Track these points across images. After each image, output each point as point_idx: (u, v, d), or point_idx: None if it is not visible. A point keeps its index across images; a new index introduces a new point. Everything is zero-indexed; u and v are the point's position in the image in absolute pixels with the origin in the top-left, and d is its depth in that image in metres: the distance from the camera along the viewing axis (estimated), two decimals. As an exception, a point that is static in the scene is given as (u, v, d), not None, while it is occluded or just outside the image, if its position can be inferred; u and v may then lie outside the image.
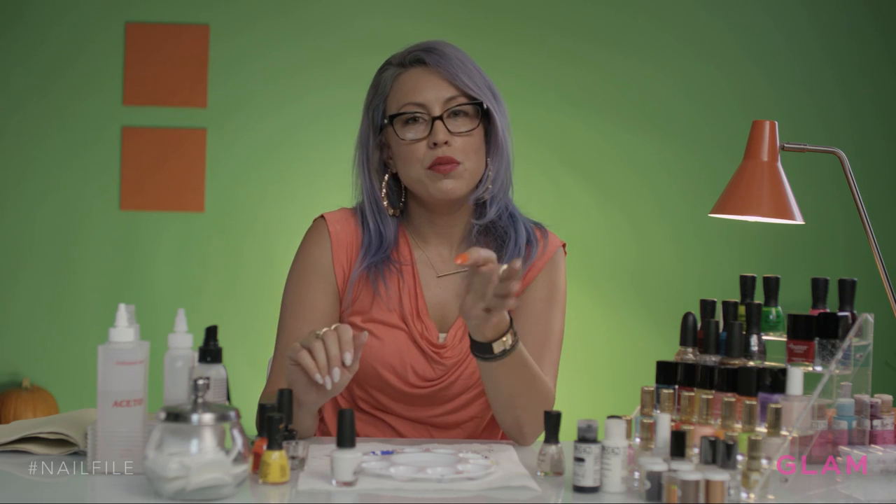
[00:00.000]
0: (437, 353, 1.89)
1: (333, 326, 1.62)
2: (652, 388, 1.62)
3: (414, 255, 1.95)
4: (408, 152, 1.87)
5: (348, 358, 1.59)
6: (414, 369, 1.88)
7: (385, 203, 1.93)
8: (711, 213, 2.17)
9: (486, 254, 1.59)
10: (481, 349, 1.69)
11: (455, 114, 1.86)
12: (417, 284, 1.92)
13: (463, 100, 1.86)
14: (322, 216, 1.96)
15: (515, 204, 1.98)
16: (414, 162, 1.87)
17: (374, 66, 4.34)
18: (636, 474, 1.47)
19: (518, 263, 1.57)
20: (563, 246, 2.00)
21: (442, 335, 1.91)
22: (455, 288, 1.93)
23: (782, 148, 2.12)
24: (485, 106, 1.87)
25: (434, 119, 1.85)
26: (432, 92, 1.86)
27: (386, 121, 1.90)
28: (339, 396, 1.95)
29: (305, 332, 1.81)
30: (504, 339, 1.68)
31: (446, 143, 1.84)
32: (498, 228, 1.94)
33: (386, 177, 1.94)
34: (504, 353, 1.69)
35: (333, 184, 3.87)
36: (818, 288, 1.74)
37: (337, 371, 1.59)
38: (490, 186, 1.91)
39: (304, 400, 1.64)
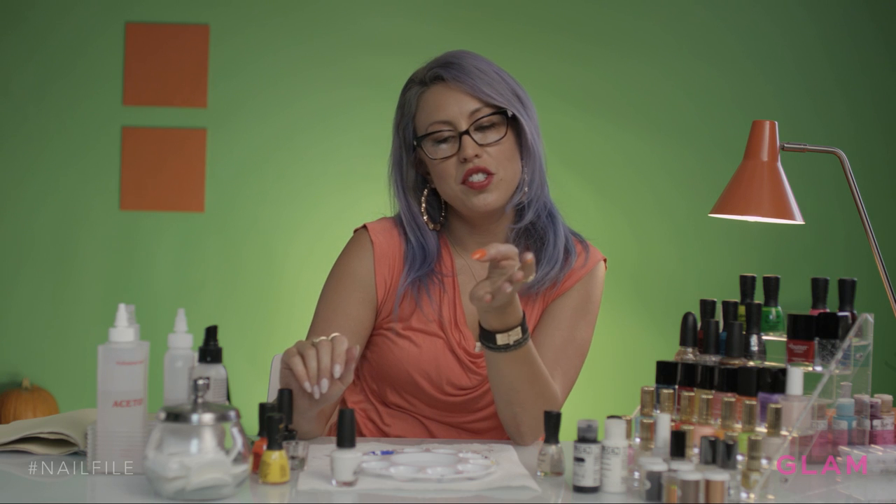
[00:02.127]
0: (474, 362, 1.90)
1: (331, 336, 1.62)
2: (652, 388, 1.62)
3: (455, 264, 1.95)
4: (441, 170, 1.87)
5: (338, 370, 1.59)
6: (449, 378, 1.89)
7: (425, 218, 1.93)
8: (711, 213, 2.17)
9: (506, 249, 1.60)
10: (485, 336, 1.70)
11: (482, 126, 1.86)
12: (457, 294, 1.93)
13: (488, 111, 1.85)
14: (365, 226, 1.96)
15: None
16: (448, 179, 1.87)
17: (374, 66, 4.32)
18: (636, 474, 1.47)
19: (530, 256, 1.58)
20: (605, 261, 2.00)
21: (478, 344, 1.91)
22: None
23: (782, 148, 2.12)
24: (510, 113, 1.86)
25: (461, 134, 1.85)
26: (455, 107, 1.85)
27: (415, 143, 1.90)
28: (372, 397, 1.96)
29: None
30: (510, 333, 1.69)
31: (476, 156, 1.84)
32: (537, 229, 1.93)
33: (425, 192, 1.94)
34: (507, 347, 1.69)
35: (333, 184, 3.90)
36: (818, 288, 1.74)
37: (325, 382, 1.58)
38: (527, 190, 1.91)
39: (297, 404, 1.63)
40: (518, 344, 1.70)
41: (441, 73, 1.87)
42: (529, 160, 1.90)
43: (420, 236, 1.92)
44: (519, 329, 1.69)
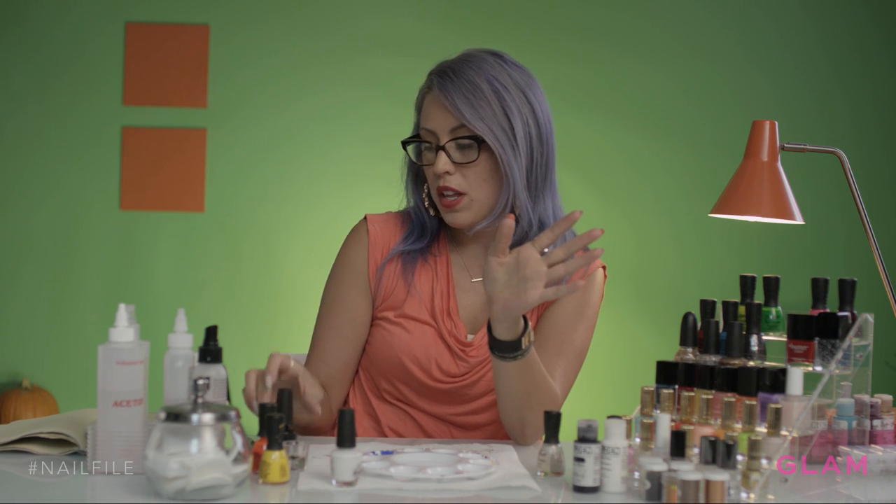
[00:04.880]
0: (464, 350, 1.90)
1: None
2: (652, 388, 1.62)
3: (451, 256, 1.96)
4: (426, 174, 1.90)
5: (268, 380, 1.61)
6: (438, 364, 1.90)
7: (426, 203, 1.94)
8: (711, 213, 2.17)
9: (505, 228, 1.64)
10: (510, 347, 1.69)
11: (460, 145, 1.85)
12: (451, 285, 1.93)
13: (465, 131, 1.84)
14: (365, 217, 1.98)
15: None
16: (431, 185, 1.90)
17: (374, 66, 4.32)
18: (636, 474, 1.47)
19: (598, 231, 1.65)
20: (604, 269, 2.00)
21: (470, 336, 1.92)
22: None
23: (782, 148, 2.12)
24: (483, 139, 1.83)
25: (438, 148, 1.85)
26: (439, 120, 1.85)
27: (402, 143, 1.92)
28: (366, 386, 1.97)
29: (338, 327, 1.91)
30: (524, 338, 1.69)
31: (447, 172, 1.84)
32: (530, 238, 1.93)
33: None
34: (526, 350, 1.69)
35: (333, 184, 3.90)
36: (818, 288, 1.74)
37: (263, 396, 1.61)
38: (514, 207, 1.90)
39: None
40: (530, 347, 1.71)
41: (434, 80, 1.87)
42: (506, 185, 1.86)
43: (420, 215, 1.95)
44: (529, 333, 1.70)
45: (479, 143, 1.84)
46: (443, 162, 1.84)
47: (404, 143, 1.92)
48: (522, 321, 1.69)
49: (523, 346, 1.69)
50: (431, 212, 1.94)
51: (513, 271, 1.63)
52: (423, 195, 1.94)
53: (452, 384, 1.91)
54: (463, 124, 1.83)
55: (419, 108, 1.91)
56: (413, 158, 1.92)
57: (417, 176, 1.96)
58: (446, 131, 1.84)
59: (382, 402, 1.95)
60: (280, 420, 1.44)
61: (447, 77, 1.85)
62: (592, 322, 1.95)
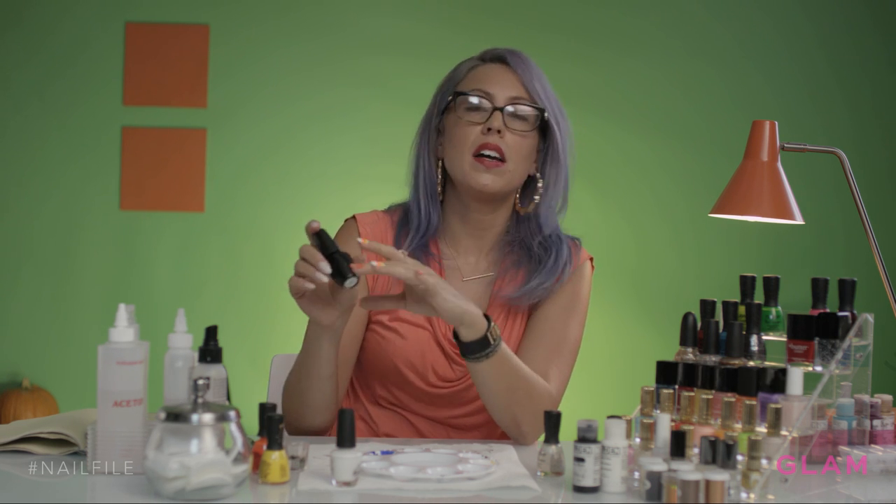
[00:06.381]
0: (458, 353, 1.90)
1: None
2: (652, 388, 1.62)
3: (443, 259, 1.96)
4: (461, 134, 1.89)
5: (325, 267, 1.66)
6: (434, 369, 1.90)
7: (439, 179, 1.95)
8: (711, 213, 2.17)
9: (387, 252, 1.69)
10: (479, 346, 1.72)
11: (516, 114, 1.88)
12: None
13: (528, 103, 1.89)
14: (353, 216, 1.99)
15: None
16: (463, 146, 1.88)
17: (374, 66, 4.32)
18: (636, 474, 1.47)
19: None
20: (591, 260, 2.01)
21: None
22: (480, 292, 1.94)
23: (782, 148, 2.12)
24: (546, 116, 1.90)
25: (495, 109, 1.87)
26: (501, 86, 1.90)
27: (450, 98, 1.91)
28: (361, 393, 1.96)
29: None
30: (490, 332, 1.72)
31: (499, 132, 1.86)
32: (533, 245, 1.94)
33: (440, 162, 1.96)
34: (497, 344, 1.72)
35: (333, 184, 3.90)
36: (818, 288, 1.74)
37: (324, 264, 1.66)
38: (536, 199, 1.93)
39: (327, 321, 1.72)
40: (499, 342, 1.73)
41: (505, 55, 1.93)
42: (552, 173, 1.92)
43: (428, 202, 1.95)
44: (493, 326, 1.73)
45: (538, 119, 1.89)
46: (499, 120, 1.87)
47: (458, 93, 1.91)
48: (484, 318, 1.70)
49: (491, 342, 1.71)
50: (439, 188, 1.94)
51: (418, 300, 1.71)
52: (438, 175, 1.94)
53: (449, 388, 1.91)
54: (529, 97, 1.89)
55: (461, 77, 1.93)
56: (459, 115, 1.89)
57: (431, 150, 1.95)
58: (506, 97, 1.89)
59: (378, 407, 1.95)
60: (280, 420, 1.44)
61: (518, 56, 1.93)
62: (583, 315, 1.96)
